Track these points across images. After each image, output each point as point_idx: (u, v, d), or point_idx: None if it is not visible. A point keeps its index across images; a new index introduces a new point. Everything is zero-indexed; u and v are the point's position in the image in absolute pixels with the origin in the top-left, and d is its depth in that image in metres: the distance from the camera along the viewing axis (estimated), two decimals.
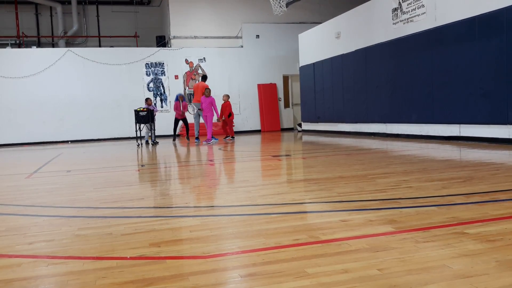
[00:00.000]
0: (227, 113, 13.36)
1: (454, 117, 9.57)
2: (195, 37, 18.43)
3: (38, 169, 7.74)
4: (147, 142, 13.25)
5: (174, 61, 17.94)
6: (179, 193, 4.92)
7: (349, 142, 10.89)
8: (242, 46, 18.68)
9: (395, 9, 11.36)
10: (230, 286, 2.05)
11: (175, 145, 12.51)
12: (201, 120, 13.95)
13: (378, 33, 12.11)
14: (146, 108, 12.82)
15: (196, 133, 13.24)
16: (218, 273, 2.21)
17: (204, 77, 13.64)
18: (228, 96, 13.69)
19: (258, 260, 2.36)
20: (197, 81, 18.12)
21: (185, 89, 18.14)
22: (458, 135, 9.55)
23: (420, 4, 10.42)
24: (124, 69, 17.52)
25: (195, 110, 13.26)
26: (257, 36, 18.68)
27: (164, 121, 17.17)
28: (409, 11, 10.83)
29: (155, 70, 17.81)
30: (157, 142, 13.28)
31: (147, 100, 13.53)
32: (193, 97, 13.35)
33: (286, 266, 2.24)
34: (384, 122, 12.10)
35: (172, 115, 17.34)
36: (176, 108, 13.57)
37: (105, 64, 17.29)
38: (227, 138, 13.52)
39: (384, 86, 11.94)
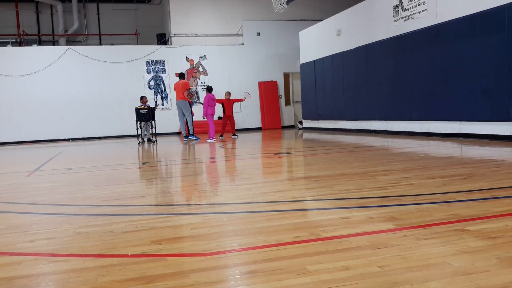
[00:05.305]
0: (229, 110, 13.36)
1: (455, 114, 9.56)
2: (196, 34, 18.41)
3: (39, 167, 7.74)
4: (149, 140, 13.25)
5: (174, 59, 17.93)
6: (180, 191, 4.92)
7: (350, 140, 10.89)
8: (242, 44, 18.66)
9: (396, 6, 11.34)
10: (231, 284, 2.05)
11: (177, 143, 12.50)
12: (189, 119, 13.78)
13: (379, 30, 12.09)
14: (147, 105, 12.84)
15: (183, 131, 13.24)
16: (219, 271, 2.21)
17: (182, 75, 13.32)
18: (229, 94, 13.68)
19: (258, 257, 2.36)
20: (197, 79, 18.17)
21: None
22: (459, 132, 9.54)
23: (421, 1, 10.39)
24: (125, 67, 17.51)
25: (178, 108, 13.09)
26: (258, 34, 18.65)
27: (165, 119, 17.19)
28: (410, 8, 10.80)
29: (156, 68, 17.80)
30: (156, 140, 13.27)
31: (142, 98, 13.49)
32: (175, 95, 13.01)
33: (287, 263, 2.24)
34: (385, 120, 12.08)
35: (172, 113, 17.39)
36: None
37: (105, 62, 17.28)
38: (222, 136, 13.50)
39: (385, 83, 11.92)
